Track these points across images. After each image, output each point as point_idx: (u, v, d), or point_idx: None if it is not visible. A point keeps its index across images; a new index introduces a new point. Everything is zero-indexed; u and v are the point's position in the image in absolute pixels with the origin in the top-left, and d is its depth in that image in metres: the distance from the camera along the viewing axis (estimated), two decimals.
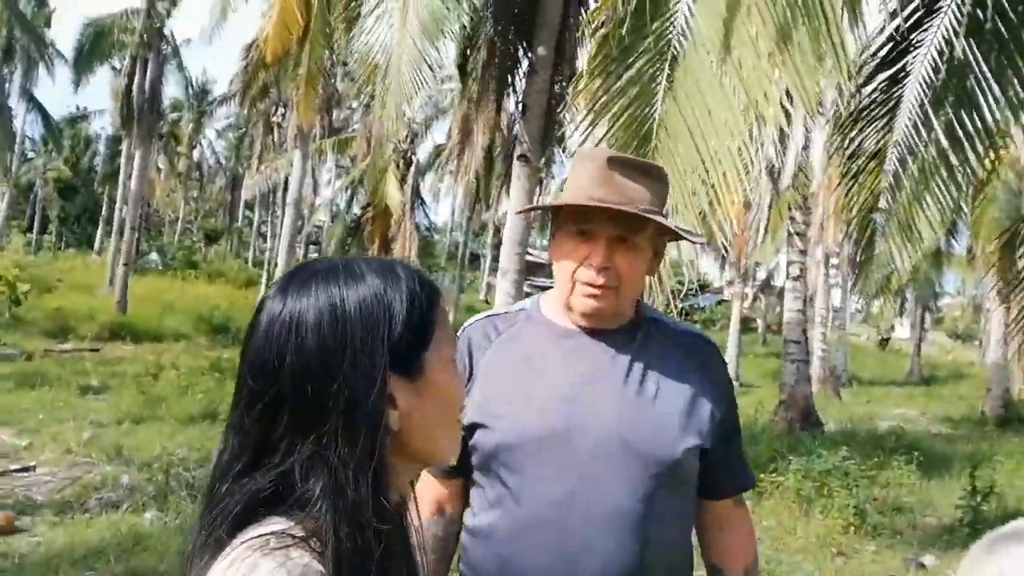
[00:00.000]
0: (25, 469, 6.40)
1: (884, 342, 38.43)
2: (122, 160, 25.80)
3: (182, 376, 10.60)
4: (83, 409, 8.78)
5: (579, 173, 1.46)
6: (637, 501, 1.38)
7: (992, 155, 4.15)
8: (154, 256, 36.97)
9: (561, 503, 1.37)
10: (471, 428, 1.43)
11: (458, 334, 1.51)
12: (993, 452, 10.34)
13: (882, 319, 40.54)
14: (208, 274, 30.32)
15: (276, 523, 0.77)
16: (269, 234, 29.64)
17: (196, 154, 43.42)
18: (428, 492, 1.55)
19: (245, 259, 43.65)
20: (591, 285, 1.41)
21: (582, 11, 7.22)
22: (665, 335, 1.52)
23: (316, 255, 44.56)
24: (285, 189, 23.26)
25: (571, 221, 1.44)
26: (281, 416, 0.80)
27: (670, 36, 3.73)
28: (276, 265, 15.25)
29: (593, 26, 4.24)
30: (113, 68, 23.88)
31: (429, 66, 5.94)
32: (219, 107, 33.26)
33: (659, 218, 1.44)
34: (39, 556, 4.61)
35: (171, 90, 33.44)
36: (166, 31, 21.70)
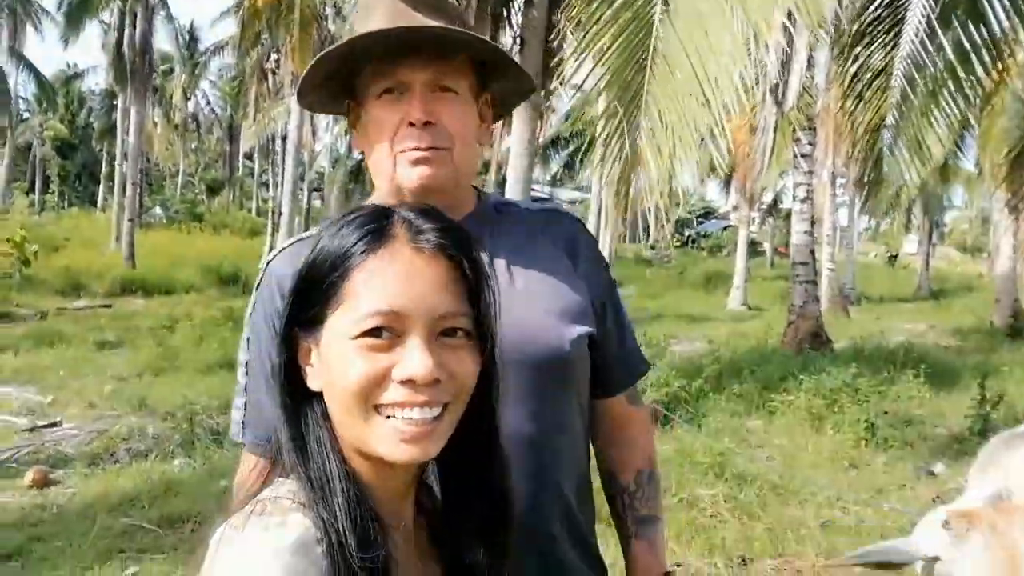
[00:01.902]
0: (52, 424, 6.57)
1: (892, 258, 38.38)
2: (118, 115, 25.56)
3: (197, 327, 10.74)
4: (102, 364, 8.95)
5: (365, 14, 1.17)
6: (530, 415, 1.15)
7: (1000, 66, 4.08)
8: (158, 210, 36.92)
9: None
10: None
11: (260, 273, 1.24)
12: (1002, 362, 10.44)
13: (891, 236, 40.39)
14: (213, 226, 30.38)
15: (279, 485, 0.79)
16: (271, 183, 29.52)
17: (191, 105, 42.91)
18: (258, 475, 1.26)
19: (248, 209, 43.58)
20: (417, 149, 1.13)
21: None
22: (519, 219, 1.28)
23: (319, 202, 44.44)
24: (284, 137, 23.04)
25: (372, 80, 1.15)
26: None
27: None
28: (280, 214, 15.22)
29: None
30: (102, 23, 23.43)
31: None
32: (212, 57, 32.70)
33: (478, 38, 1.17)
34: (76, 506, 4.77)
35: (161, 43, 32.90)
36: None
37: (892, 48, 4.13)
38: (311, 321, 0.79)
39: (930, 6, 4.01)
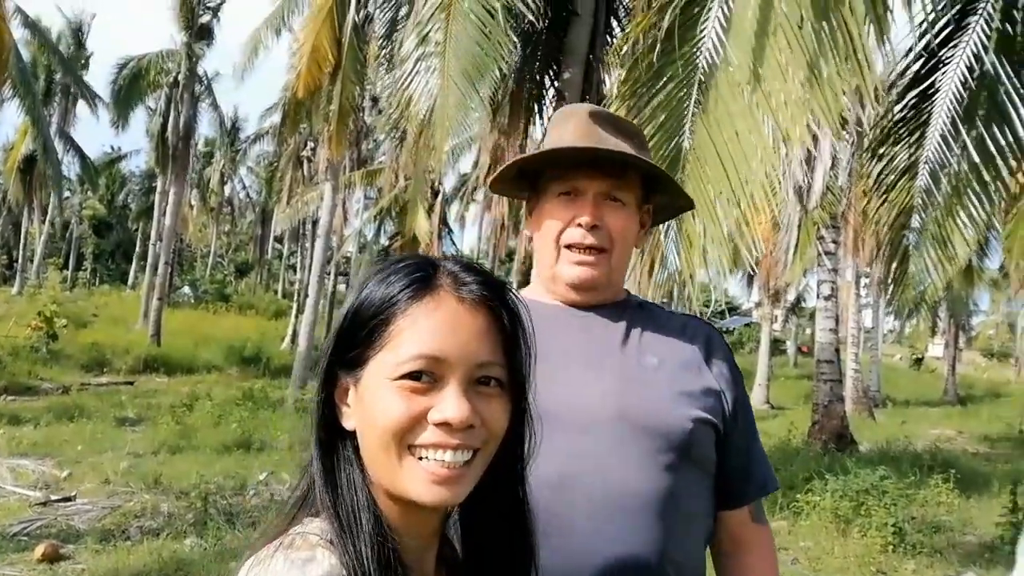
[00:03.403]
0: (66, 499, 6.53)
1: (918, 362, 37.77)
2: (156, 197, 26.37)
3: (216, 407, 10.76)
4: (120, 440, 8.95)
5: (559, 130, 1.36)
6: (646, 480, 1.19)
7: (1011, 169, 4.14)
8: (187, 290, 37.53)
9: (551, 483, 1.14)
10: None
11: None
12: None
13: (917, 338, 39.88)
14: (239, 306, 30.79)
15: (308, 523, 0.80)
16: (299, 265, 30.04)
17: (227, 189, 44.24)
18: None
19: (275, 291, 44.20)
20: (580, 247, 1.29)
21: (608, 38, 7.34)
22: (661, 318, 1.37)
23: (344, 286, 44.99)
24: (315, 222, 23.60)
25: (553, 183, 1.33)
26: None
27: (699, 61, 3.77)
28: (306, 296, 15.43)
29: (623, 52, 4.31)
30: (148, 108, 24.50)
31: (472, 107, 6.07)
32: (252, 145, 33.93)
33: (651, 164, 1.34)
34: None
35: (204, 128, 34.25)
36: (200, 71, 22.30)
37: (917, 148, 4.22)
38: (353, 361, 0.81)
39: (954, 108, 4.12)
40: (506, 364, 0.82)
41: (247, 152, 36.69)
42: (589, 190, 1.30)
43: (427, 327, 0.79)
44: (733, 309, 45.29)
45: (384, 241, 23.26)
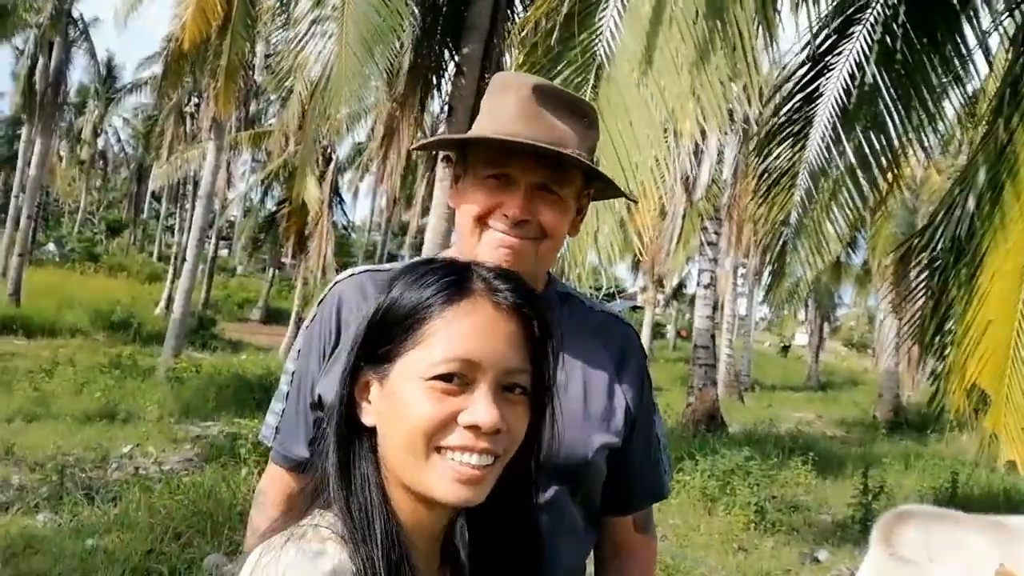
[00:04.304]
0: None
1: (785, 349, 40.12)
2: (20, 146, 24.45)
3: (79, 373, 10.16)
4: None
5: (498, 104, 1.20)
6: (541, 510, 1.11)
7: (893, 174, 4.42)
8: (51, 247, 35.13)
9: None
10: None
11: (326, 290, 1.29)
12: (883, 453, 10.97)
13: (786, 327, 42.30)
14: (109, 267, 29.07)
15: (320, 516, 0.81)
16: (177, 227, 28.59)
17: (100, 142, 41.48)
18: (277, 487, 1.28)
19: (150, 253, 41.97)
20: (505, 234, 1.17)
21: (511, 15, 7.29)
22: (581, 315, 1.31)
23: (226, 251, 43.24)
24: (196, 182, 22.49)
25: (484, 163, 1.19)
26: None
27: (597, 48, 3.81)
28: (184, 260, 14.70)
29: (523, 33, 4.29)
30: (15, 48, 22.60)
31: (369, 77, 5.90)
32: (128, 95, 31.82)
33: (591, 167, 1.22)
34: None
35: (77, 74, 31.89)
36: (76, 13, 20.73)
37: (800, 149, 4.43)
38: (381, 358, 0.82)
39: (836, 113, 4.33)
40: (530, 371, 0.84)
41: (121, 103, 34.44)
42: (522, 180, 1.17)
43: (462, 330, 0.81)
44: (620, 293, 46.60)
45: (271, 207, 22.50)
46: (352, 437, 0.84)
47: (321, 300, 1.29)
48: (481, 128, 1.20)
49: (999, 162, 3.79)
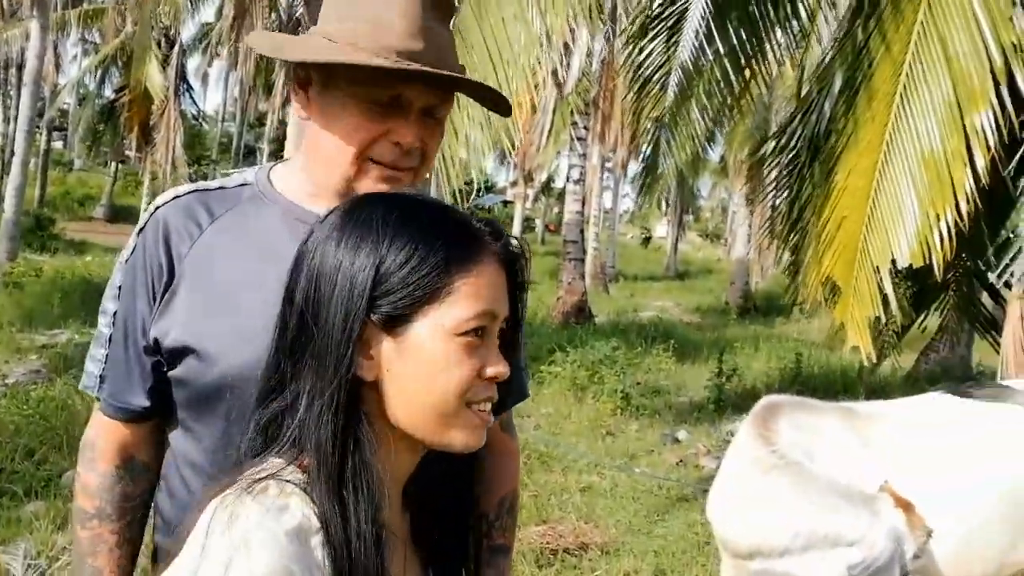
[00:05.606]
0: None
1: (647, 240, 41.87)
2: None
3: None
4: None
5: (381, 6, 1.04)
6: None
7: (754, 69, 4.51)
8: None
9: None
10: (177, 353, 1.07)
11: (146, 216, 1.14)
12: (735, 337, 11.79)
13: (649, 219, 44.02)
14: None
15: (273, 463, 0.80)
16: (1, 117, 25.74)
17: None
18: (110, 439, 1.17)
19: None
20: (395, 167, 1.06)
21: None
22: None
23: (60, 143, 39.42)
24: (20, 66, 20.18)
25: (367, 80, 1.02)
26: (289, 348, 0.83)
27: None
28: (13, 154, 13.29)
29: None
30: None
31: None
32: None
33: (491, 89, 1.15)
34: None
35: None
36: None
37: (674, 46, 4.43)
38: (395, 312, 0.81)
39: (709, 8, 4.34)
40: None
41: None
42: (415, 104, 1.05)
43: (486, 284, 0.83)
44: (490, 188, 46.58)
45: (110, 94, 20.54)
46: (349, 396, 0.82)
47: (141, 228, 1.13)
48: (356, 32, 1.02)
49: (856, 62, 3.95)
